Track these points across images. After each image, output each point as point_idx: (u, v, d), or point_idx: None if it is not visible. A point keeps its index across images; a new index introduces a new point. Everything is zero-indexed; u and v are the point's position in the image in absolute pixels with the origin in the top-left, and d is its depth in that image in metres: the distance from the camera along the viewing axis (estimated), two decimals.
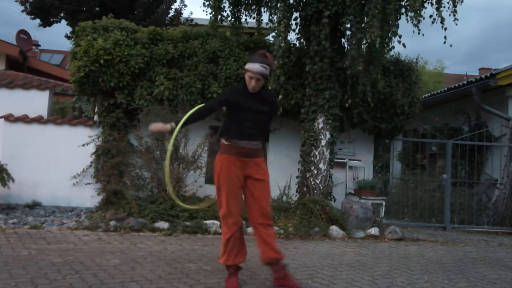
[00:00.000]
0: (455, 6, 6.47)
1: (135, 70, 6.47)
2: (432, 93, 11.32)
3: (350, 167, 7.64)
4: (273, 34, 6.54)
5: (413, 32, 6.40)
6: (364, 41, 6.26)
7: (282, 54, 6.21)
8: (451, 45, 6.24)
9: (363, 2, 6.15)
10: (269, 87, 6.40)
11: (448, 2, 6.49)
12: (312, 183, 6.54)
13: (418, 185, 8.89)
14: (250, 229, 5.88)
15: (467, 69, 43.96)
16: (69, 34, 12.54)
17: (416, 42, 29.49)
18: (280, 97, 6.51)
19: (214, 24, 6.97)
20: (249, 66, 3.51)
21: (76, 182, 6.95)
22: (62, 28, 57.03)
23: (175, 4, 13.08)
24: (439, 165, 9.86)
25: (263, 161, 3.83)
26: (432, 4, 6.48)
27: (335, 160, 6.94)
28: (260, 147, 3.80)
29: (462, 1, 6.45)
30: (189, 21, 12.89)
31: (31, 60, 13.13)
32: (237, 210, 3.71)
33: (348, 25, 6.27)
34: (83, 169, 6.93)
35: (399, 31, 6.43)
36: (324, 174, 6.59)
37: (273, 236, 3.71)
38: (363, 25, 6.16)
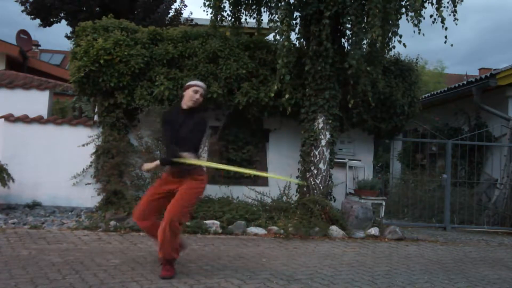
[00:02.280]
0: (455, 6, 6.47)
1: (135, 70, 6.46)
2: (432, 93, 11.32)
3: (350, 167, 7.64)
4: (274, 33, 6.54)
5: (414, 32, 6.41)
6: (364, 41, 6.27)
7: (286, 53, 6.21)
8: (451, 45, 6.26)
9: (363, 1, 6.15)
10: (275, 87, 6.41)
11: (448, 2, 6.50)
12: (312, 183, 6.54)
13: (418, 185, 8.89)
14: (253, 229, 5.89)
15: (467, 69, 43.97)
16: (69, 34, 12.53)
17: (416, 43, 29.50)
18: (286, 96, 6.50)
19: (214, 24, 6.97)
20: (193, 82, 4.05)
21: (76, 182, 6.95)
22: (62, 28, 57.11)
23: (175, 4, 13.06)
24: (439, 165, 9.86)
25: None
26: (432, 4, 6.48)
27: (335, 160, 6.94)
28: None
29: (462, 1, 6.46)
30: (189, 21, 12.87)
31: (31, 60, 13.12)
32: None
33: (349, 25, 6.27)
34: (83, 169, 6.92)
35: (400, 31, 6.45)
36: (324, 174, 6.59)
37: None
38: (363, 25, 6.16)
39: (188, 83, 4.04)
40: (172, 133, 3.90)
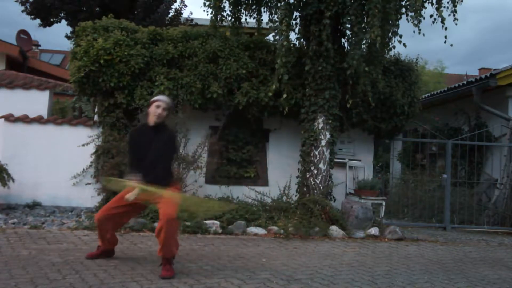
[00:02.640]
0: (455, 6, 6.48)
1: (135, 70, 6.46)
2: (432, 93, 11.32)
3: (350, 167, 7.64)
4: (273, 33, 6.53)
5: (414, 32, 6.41)
6: (364, 41, 6.26)
7: (284, 53, 6.21)
8: (451, 45, 6.26)
9: (363, 2, 6.15)
10: (273, 87, 6.41)
11: (448, 2, 6.50)
12: (312, 183, 6.54)
13: (418, 185, 8.89)
14: (253, 229, 5.89)
15: (467, 69, 43.93)
16: (69, 34, 12.53)
17: (416, 43, 29.50)
18: (284, 96, 6.50)
19: (214, 24, 6.97)
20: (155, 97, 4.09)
21: (76, 182, 6.95)
22: (62, 28, 57.08)
23: (175, 4, 13.06)
24: (439, 165, 9.86)
25: None
26: (432, 4, 6.48)
27: (335, 160, 6.94)
28: None
29: (462, 1, 6.46)
30: (189, 21, 12.87)
31: (31, 60, 13.11)
32: None
33: (349, 25, 6.27)
34: (83, 169, 6.92)
35: (400, 31, 6.45)
36: (324, 174, 6.59)
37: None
38: (363, 25, 6.16)
39: (151, 99, 4.09)
40: (139, 155, 3.92)
